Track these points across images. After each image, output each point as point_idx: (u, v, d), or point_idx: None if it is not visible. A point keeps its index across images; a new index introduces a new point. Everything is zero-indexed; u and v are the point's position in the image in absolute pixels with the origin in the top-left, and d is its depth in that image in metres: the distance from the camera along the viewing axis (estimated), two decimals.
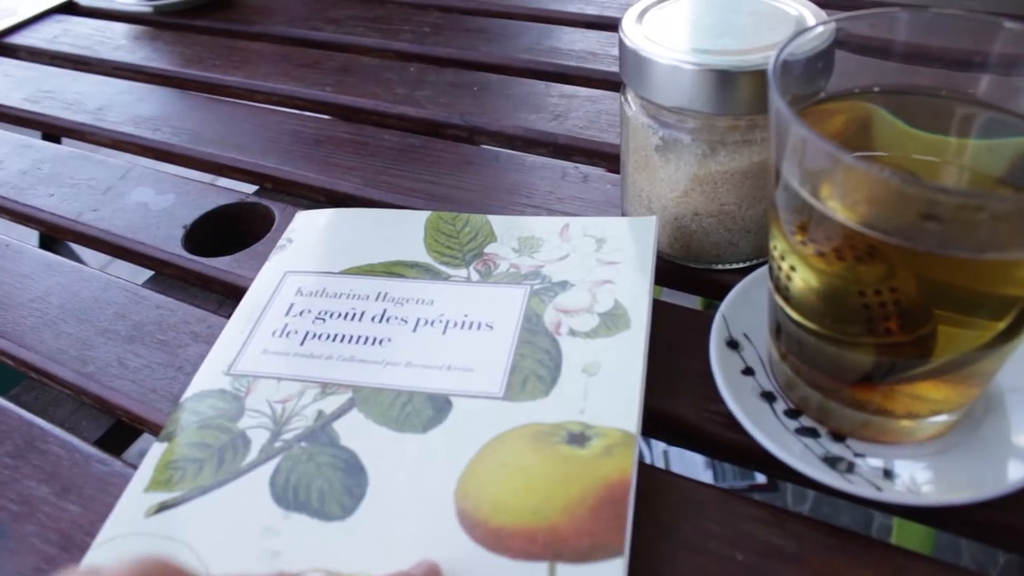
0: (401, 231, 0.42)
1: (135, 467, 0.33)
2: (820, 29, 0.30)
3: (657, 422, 0.35)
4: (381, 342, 0.35)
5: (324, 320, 0.37)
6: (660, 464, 0.93)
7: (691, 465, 1.02)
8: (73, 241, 0.50)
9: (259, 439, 0.32)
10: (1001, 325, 0.27)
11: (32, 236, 0.61)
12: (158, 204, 0.50)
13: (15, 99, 0.64)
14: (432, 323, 0.36)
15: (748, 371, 0.34)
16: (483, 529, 0.28)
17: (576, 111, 0.56)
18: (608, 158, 0.52)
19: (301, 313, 0.37)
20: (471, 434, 0.31)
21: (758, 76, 0.34)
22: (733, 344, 0.35)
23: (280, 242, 0.42)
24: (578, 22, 0.69)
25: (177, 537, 0.29)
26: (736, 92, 0.35)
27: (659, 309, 0.39)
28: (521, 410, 0.32)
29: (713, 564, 0.29)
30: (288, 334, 0.37)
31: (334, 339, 0.36)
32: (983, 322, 0.27)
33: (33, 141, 0.59)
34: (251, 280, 0.41)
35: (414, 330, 0.36)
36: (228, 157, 0.55)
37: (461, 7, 0.74)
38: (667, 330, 0.37)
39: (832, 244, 0.27)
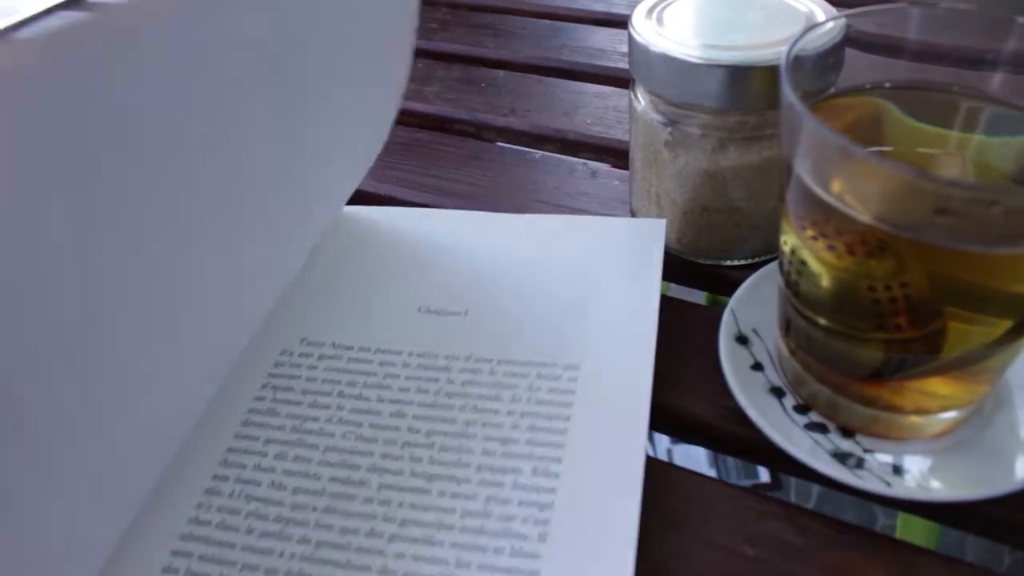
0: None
1: None
2: (830, 25, 0.30)
3: (665, 417, 0.35)
4: None
5: None
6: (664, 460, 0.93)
7: (695, 463, 1.02)
8: None
9: None
10: (1011, 321, 0.27)
11: None
12: None
13: None
14: None
15: (757, 366, 0.34)
16: None
17: (584, 107, 0.56)
18: (616, 154, 0.52)
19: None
20: None
21: (768, 72, 0.34)
22: (742, 340, 0.35)
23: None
24: (586, 19, 0.69)
25: None
26: (746, 88, 0.35)
27: (667, 305, 0.39)
28: None
29: (723, 559, 0.29)
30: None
31: None
32: (994, 318, 0.27)
33: None
34: None
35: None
36: None
37: (469, 3, 0.74)
38: (675, 326, 0.38)
39: (843, 239, 0.27)
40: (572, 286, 0.37)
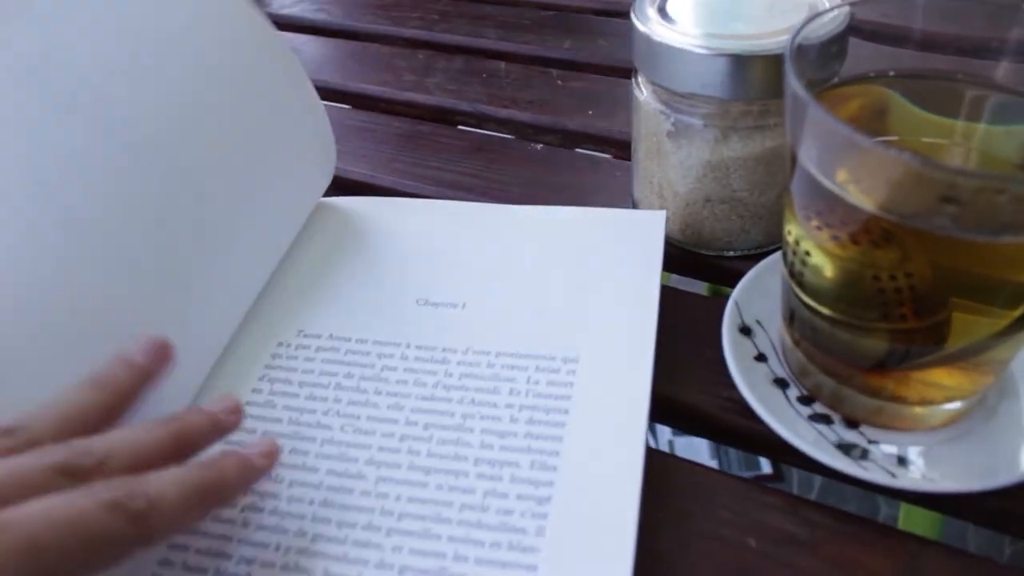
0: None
1: None
2: (834, 13, 0.30)
3: (668, 409, 0.35)
4: None
5: None
6: (666, 452, 0.93)
7: (697, 454, 1.01)
8: None
9: None
10: (1017, 312, 0.27)
11: None
12: None
13: None
14: None
15: (761, 357, 0.34)
16: None
17: (586, 98, 0.55)
18: (618, 145, 0.51)
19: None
20: None
21: (771, 61, 0.34)
22: (745, 330, 0.35)
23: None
24: (587, 9, 0.69)
25: None
26: (749, 77, 0.35)
27: (670, 296, 0.39)
28: None
29: (726, 550, 0.29)
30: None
31: None
32: (998, 309, 0.27)
33: None
34: None
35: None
36: None
37: None
38: (679, 317, 0.37)
39: (848, 229, 0.27)
40: (571, 278, 0.37)
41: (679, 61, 0.36)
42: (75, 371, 0.26)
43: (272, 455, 0.28)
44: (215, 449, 0.28)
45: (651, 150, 0.40)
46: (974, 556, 0.29)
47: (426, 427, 0.31)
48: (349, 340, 0.35)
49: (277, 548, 0.28)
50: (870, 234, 0.26)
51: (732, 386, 0.32)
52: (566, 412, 0.31)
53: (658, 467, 0.31)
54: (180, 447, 0.26)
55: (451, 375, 0.33)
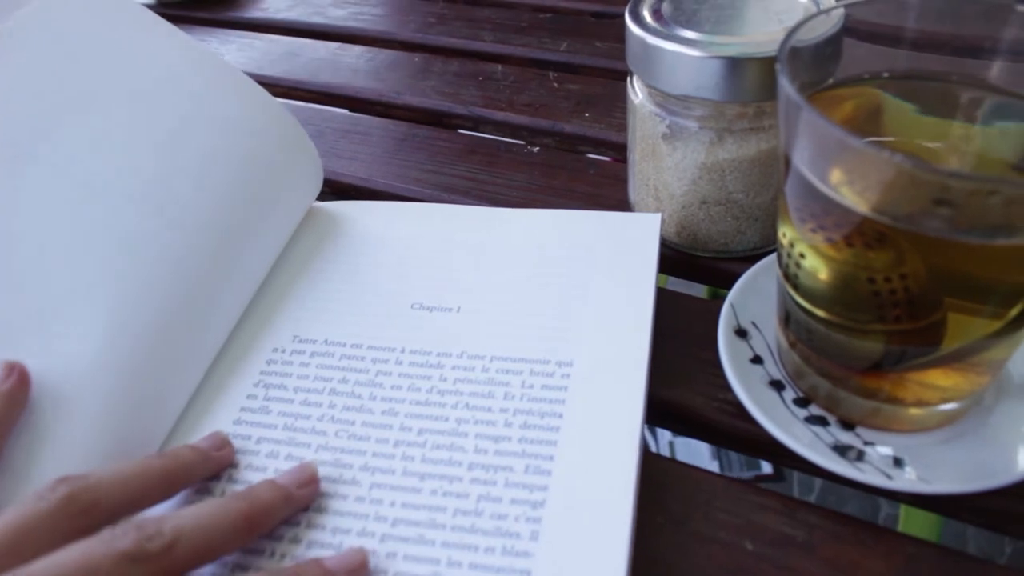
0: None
1: None
2: (828, 15, 0.30)
3: (665, 412, 0.35)
4: None
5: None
6: (666, 454, 0.93)
7: (697, 455, 1.01)
8: None
9: None
10: (1012, 313, 0.27)
11: None
12: None
13: None
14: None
15: (757, 360, 0.34)
16: None
17: (582, 100, 0.55)
18: (614, 147, 0.51)
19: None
20: None
21: (766, 63, 0.34)
22: (741, 333, 0.35)
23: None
24: (584, 12, 0.69)
25: None
26: (744, 79, 0.35)
27: (667, 298, 0.39)
28: None
29: (723, 553, 0.29)
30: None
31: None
32: (993, 309, 0.27)
33: None
34: None
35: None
36: None
37: None
38: (675, 320, 0.37)
39: (842, 231, 0.27)
40: (566, 281, 0.37)
41: (674, 63, 0.36)
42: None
43: (311, 484, 0.29)
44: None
45: (647, 152, 0.40)
46: (972, 557, 0.28)
47: (420, 432, 0.31)
48: (344, 345, 0.35)
49: (272, 554, 0.28)
50: (864, 236, 0.26)
51: (728, 388, 0.32)
52: (560, 416, 0.31)
53: (655, 470, 0.31)
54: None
55: (446, 380, 0.33)
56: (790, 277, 0.30)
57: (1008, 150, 0.30)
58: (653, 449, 0.99)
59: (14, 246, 0.32)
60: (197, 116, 0.38)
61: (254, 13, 0.74)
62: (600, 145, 0.52)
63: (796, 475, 1.05)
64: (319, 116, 0.57)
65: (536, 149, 0.52)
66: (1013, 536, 0.30)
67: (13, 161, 0.33)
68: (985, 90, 0.30)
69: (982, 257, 0.25)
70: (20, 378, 0.29)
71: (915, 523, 0.73)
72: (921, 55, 0.30)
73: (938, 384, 0.30)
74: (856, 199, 0.25)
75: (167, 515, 0.25)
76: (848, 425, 0.31)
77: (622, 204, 0.45)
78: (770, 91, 0.34)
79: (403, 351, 0.35)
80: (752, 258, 0.39)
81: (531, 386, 0.32)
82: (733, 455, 1.07)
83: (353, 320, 0.36)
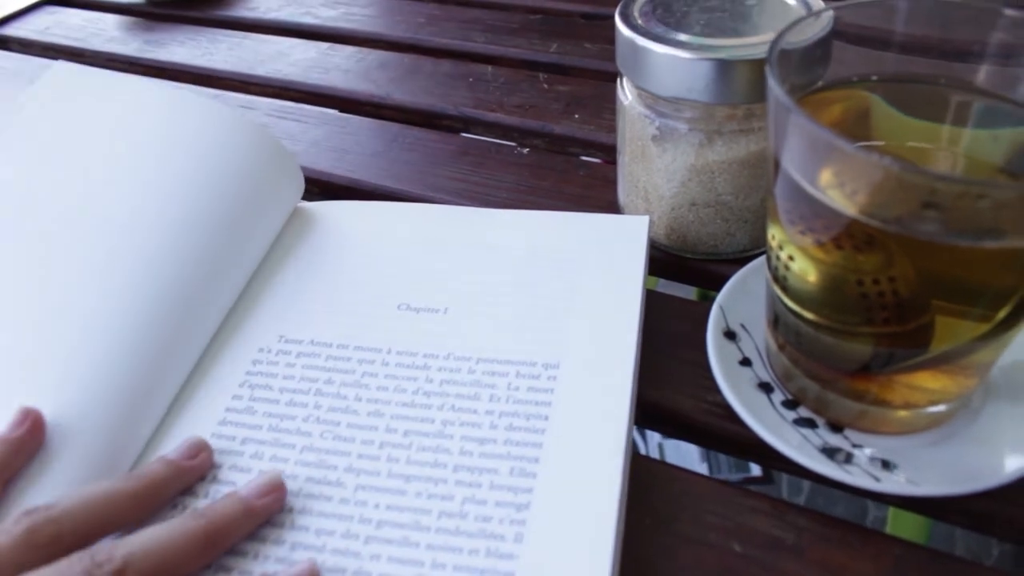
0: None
1: None
2: (818, 18, 0.30)
3: (654, 414, 0.34)
4: None
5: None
6: (655, 456, 0.93)
7: (686, 458, 1.02)
8: None
9: None
10: (999, 315, 0.27)
11: None
12: None
13: (5, 93, 0.64)
14: None
15: (745, 362, 0.34)
16: None
17: (573, 102, 0.55)
18: (604, 149, 0.51)
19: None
20: None
21: (756, 65, 0.34)
22: (730, 335, 0.35)
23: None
24: (575, 13, 0.69)
25: None
26: (733, 81, 0.35)
27: (656, 300, 0.39)
28: None
29: (712, 556, 0.29)
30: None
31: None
32: (981, 312, 0.27)
33: None
34: None
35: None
36: None
37: None
38: (663, 322, 0.37)
39: (831, 233, 0.27)
40: (553, 283, 0.37)
41: (664, 65, 0.36)
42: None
43: (273, 491, 0.28)
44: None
45: (636, 154, 0.40)
46: (959, 559, 0.29)
47: (406, 434, 0.31)
48: (330, 346, 0.35)
49: (256, 556, 0.27)
50: (853, 238, 0.26)
51: (717, 391, 0.32)
52: (546, 418, 0.31)
53: (643, 472, 0.31)
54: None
55: (432, 381, 0.33)
56: (779, 279, 0.30)
57: (996, 153, 0.30)
58: (642, 451, 0.99)
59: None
60: (173, 143, 0.40)
61: (244, 13, 0.74)
62: (590, 147, 0.52)
63: (785, 477, 1.06)
64: (309, 116, 0.57)
65: (526, 150, 0.52)
66: (1000, 538, 0.30)
67: None
68: (973, 93, 0.30)
69: (970, 260, 0.25)
70: (33, 426, 0.29)
71: (904, 525, 0.73)
72: (910, 58, 0.31)
73: (926, 386, 0.30)
74: (845, 201, 0.25)
75: (121, 540, 0.25)
76: (836, 427, 0.31)
77: (611, 206, 0.45)
78: (760, 93, 0.34)
79: (389, 352, 0.34)
80: (741, 260, 0.39)
81: (517, 388, 0.32)
82: (722, 457, 1.08)
83: (340, 320, 0.36)
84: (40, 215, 0.36)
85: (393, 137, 0.54)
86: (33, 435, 0.28)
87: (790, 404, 0.32)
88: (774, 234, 0.30)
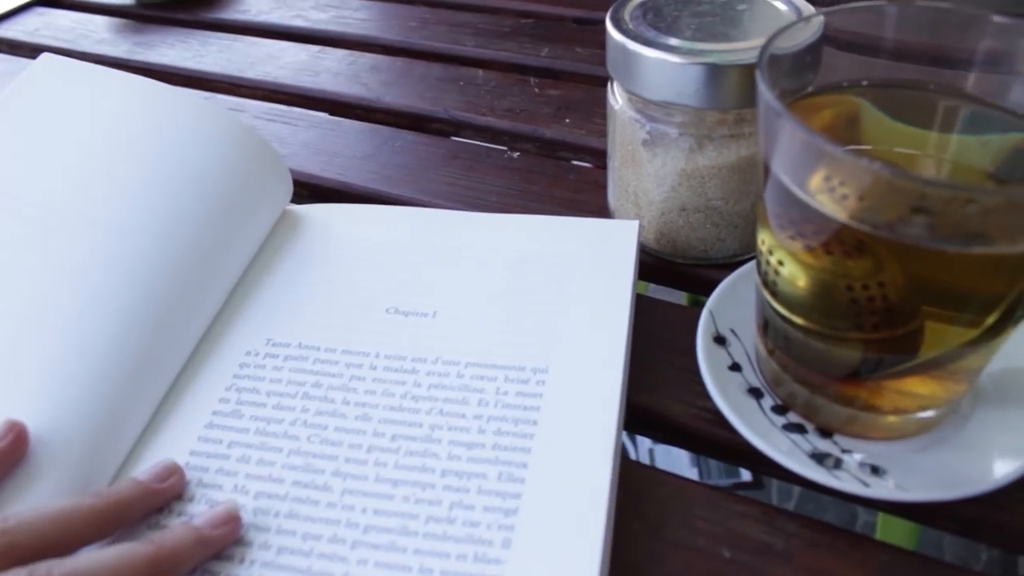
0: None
1: None
2: (808, 23, 0.30)
3: (644, 419, 0.34)
4: None
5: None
6: (645, 462, 0.93)
7: (676, 463, 1.02)
8: None
9: None
10: (988, 320, 0.27)
11: None
12: None
13: None
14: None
15: (735, 367, 0.34)
16: None
17: (564, 106, 0.55)
18: (595, 153, 0.51)
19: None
20: None
21: (746, 70, 0.34)
22: (720, 340, 0.35)
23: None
24: (565, 17, 0.69)
25: None
26: (724, 86, 0.35)
27: (646, 305, 0.38)
28: None
29: (701, 561, 0.29)
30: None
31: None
32: (970, 317, 0.27)
33: None
34: None
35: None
36: None
37: (448, 2, 0.74)
38: (654, 327, 0.37)
39: (820, 238, 0.27)
40: (543, 288, 0.37)
41: (654, 70, 0.36)
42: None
43: (228, 523, 0.28)
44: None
45: (627, 158, 0.40)
46: (948, 564, 0.29)
47: (394, 438, 0.31)
48: (318, 349, 0.35)
49: (242, 560, 0.27)
50: (843, 244, 0.26)
51: (707, 396, 0.32)
52: (535, 423, 0.31)
53: (633, 477, 0.31)
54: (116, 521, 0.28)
55: (420, 385, 0.33)
56: (769, 284, 0.30)
57: (985, 159, 0.30)
58: (632, 456, 0.99)
59: None
60: (160, 140, 0.39)
61: (235, 15, 0.73)
62: (580, 151, 0.52)
63: (775, 483, 1.06)
64: (299, 119, 0.57)
65: (516, 154, 0.51)
66: (988, 543, 0.30)
67: None
68: (962, 99, 0.30)
69: (959, 265, 0.26)
70: (16, 439, 0.28)
71: (893, 531, 0.73)
72: (899, 64, 0.31)
73: (915, 392, 0.30)
74: (834, 206, 0.25)
75: (63, 560, 0.24)
76: (826, 433, 0.31)
77: (602, 210, 0.45)
78: (750, 98, 0.34)
79: (377, 356, 0.34)
80: (731, 265, 0.39)
81: (506, 393, 0.32)
82: (712, 463, 1.08)
83: (328, 324, 0.36)
84: (17, 213, 0.35)
85: (383, 140, 0.53)
86: (16, 447, 0.28)
87: (780, 409, 0.32)
88: (764, 239, 0.30)
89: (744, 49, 0.35)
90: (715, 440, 0.33)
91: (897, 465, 0.30)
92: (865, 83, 0.31)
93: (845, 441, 0.31)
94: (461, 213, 0.42)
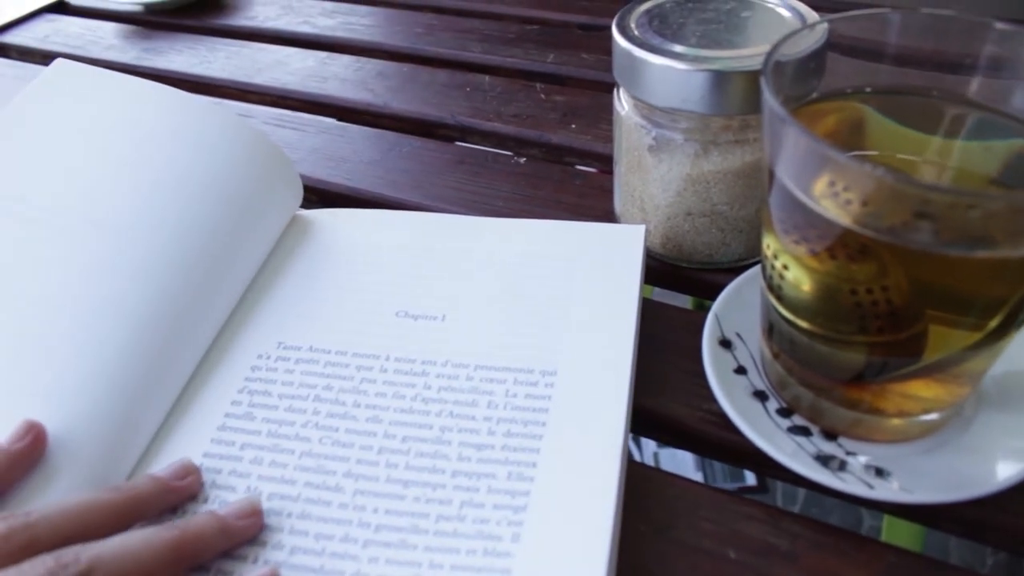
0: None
1: None
2: (812, 30, 0.30)
3: (650, 422, 0.35)
4: None
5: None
6: (651, 465, 0.93)
7: (682, 466, 1.02)
8: None
9: None
10: (991, 324, 0.27)
11: None
12: None
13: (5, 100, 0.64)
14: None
15: (741, 370, 0.34)
16: None
17: (569, 112, 0.56)
18: (601, 159, 0.52)
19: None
20: None
21: (751, 76, 0.35)
22: (726, 343, 0.35)
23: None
24: (571, 23, 0.70)
25: None
26: (729, 92, 0.35)
27: (652, 309, 0.39)
28: None
29: (707, 562, 0.29)
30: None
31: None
32: (974, 321, 0.27)
33: None
34: None
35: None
36: None
37: (455, 8, 0.74)
38: (660, 330, 0.38)
39: (825, 243, 0.27)
40: (551, 291, 0.37)
41: (660, 76, 0.36)
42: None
43: (252, 516, 0.28)
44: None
45: (632, 164, 0.40)
46: (953, 567, 0.29)
47: (404, 440, 0.31)
48: (329, 352, 0.35)
49: (255, 560, 0.28)
50: (847, 248, 0.27)
51: (712, 399, 0.32)
52: (544, 425, 0.31)
53: (639, 479, 0.31)
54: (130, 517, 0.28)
55: (430, 388, 0.33)
56: (774, 288, 0.31)
57: (988, 165, 0.30)
58: (638, 459, 0.99)
59: None
60: (172, 145, 0.40)
61: (242, 22, 0.74)
62: (586, 156, 0.52)
63: (780, 485, 1.06)
64: (307, 125, 0.57)
65: (523, 160, 0.52)
66: (992, 545, 0.31)
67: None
68: (966, 106, 0.30)
69: (963, 269, 0.26)
70: (35, 440, 0.28)
71: (898, 533, 0.73)
72: (903, 70, 0.31)
73: (919, 395, 0.30)
74: (839, 211, 0.26)
75: (89, 544, 0.25)
76: (831, 435, 0.32)
77: (608, 215, 0.46)
78: (755, 104, 0.35)
79: (388, 359, 0.35)
80: (737, 269, 0.39)
81: (515, 395, 0.33)
82: (717, 466, 1.08)
83: (338, 327, 0.36)
84: (32, 217, 0.36)
85: (390, 146, 0.54)
86: (34, 448, 0.28)
87: (785, 412, 0.33)
88: (769, 243, 0.30)
89: (749, 56, 0.35)
90: (720, 443, 0.33)
91: (901, 467, 0.30)
92: (869, 89, 0.31)
93: (850, 443, 0.31)
94: (468, 218, 0.43)
